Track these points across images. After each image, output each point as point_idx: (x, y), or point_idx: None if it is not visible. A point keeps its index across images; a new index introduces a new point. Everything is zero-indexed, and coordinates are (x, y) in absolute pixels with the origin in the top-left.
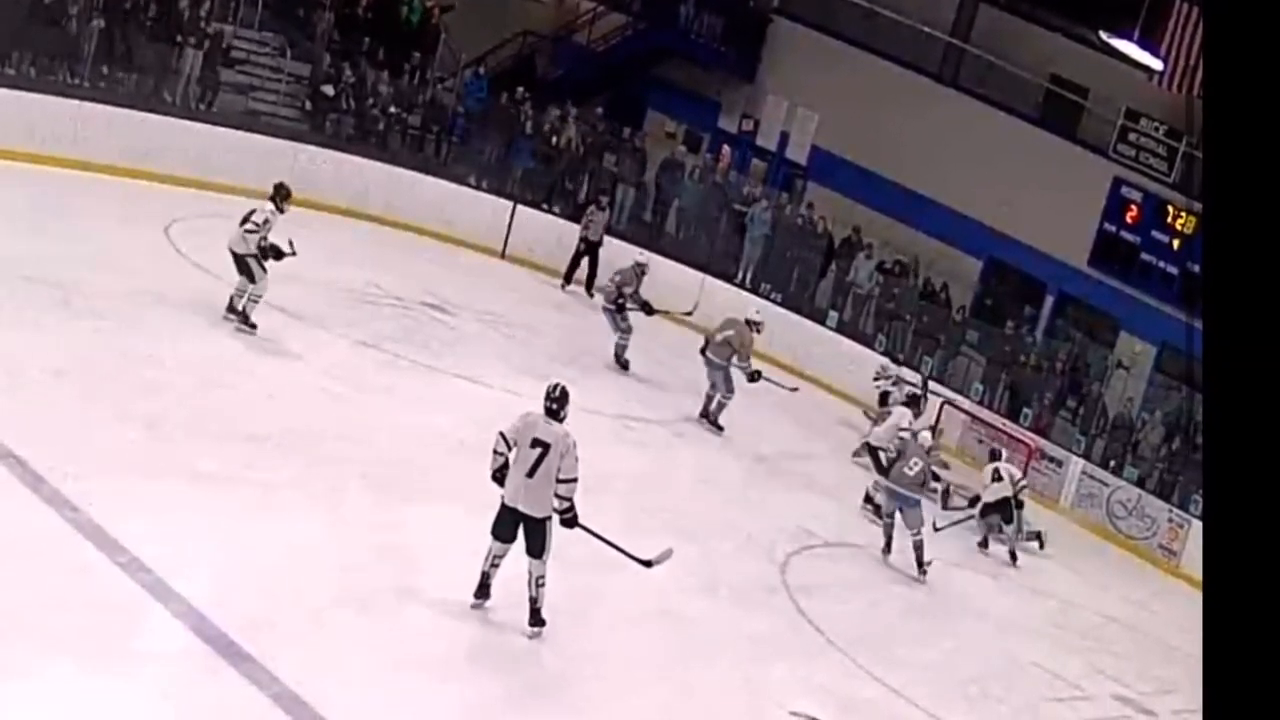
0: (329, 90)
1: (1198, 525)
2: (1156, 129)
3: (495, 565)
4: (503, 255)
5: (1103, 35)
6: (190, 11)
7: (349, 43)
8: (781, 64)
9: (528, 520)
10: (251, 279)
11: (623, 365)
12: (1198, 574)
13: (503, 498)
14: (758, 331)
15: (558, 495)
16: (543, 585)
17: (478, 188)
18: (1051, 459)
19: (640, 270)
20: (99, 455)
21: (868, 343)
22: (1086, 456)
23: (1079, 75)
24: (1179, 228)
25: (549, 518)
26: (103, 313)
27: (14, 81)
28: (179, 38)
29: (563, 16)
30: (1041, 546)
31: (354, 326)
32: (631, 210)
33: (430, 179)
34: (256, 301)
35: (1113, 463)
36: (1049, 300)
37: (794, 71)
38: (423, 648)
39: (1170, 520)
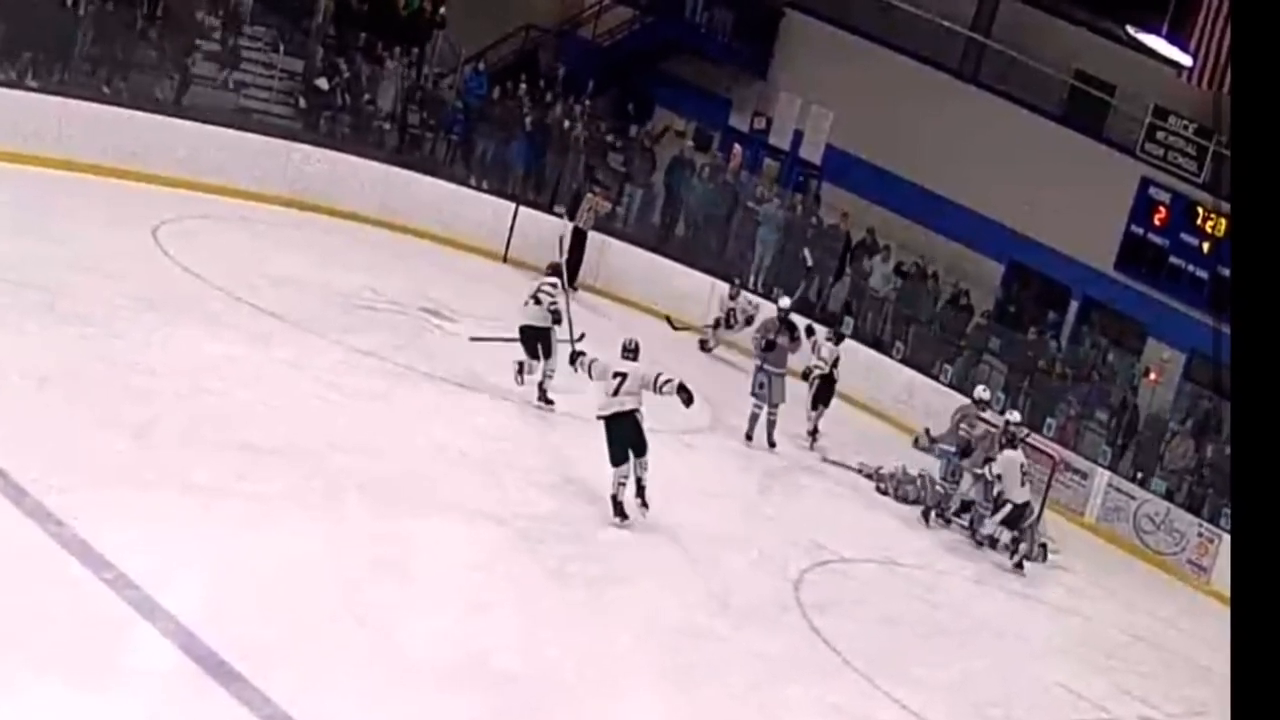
0: (323, 84)
1: (1228, 540)
2: (1185, 127)
3: (622, 485)
4: (504, 259)
5: (1129, 30)
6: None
7: (344, 36)
8: (795, 60)
9: (623, 419)
10: (548, 355)
11: (769, 444)
12: (1228, 590)
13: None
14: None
15: (662, 388)
16: (646, 468)
17: (478, 188)
18: (1076, 471)
19: (783, 315)
20: (84, 466)
21: (885, 350)
22: (1113, 468)
23: (1105, 71)
24: (1209, 230)
25: (636, 410)
26: (89, 318)
27: None
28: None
29: (567, 10)
30: (1044, 559)
31: (350, 333)
32: (640, 211)
33: (429, 179)
34: (550, 377)
35: (1140, 475)
36: (1073, 305)
37: (808, 67)
38: (422, 663)
39: (1200, 535)
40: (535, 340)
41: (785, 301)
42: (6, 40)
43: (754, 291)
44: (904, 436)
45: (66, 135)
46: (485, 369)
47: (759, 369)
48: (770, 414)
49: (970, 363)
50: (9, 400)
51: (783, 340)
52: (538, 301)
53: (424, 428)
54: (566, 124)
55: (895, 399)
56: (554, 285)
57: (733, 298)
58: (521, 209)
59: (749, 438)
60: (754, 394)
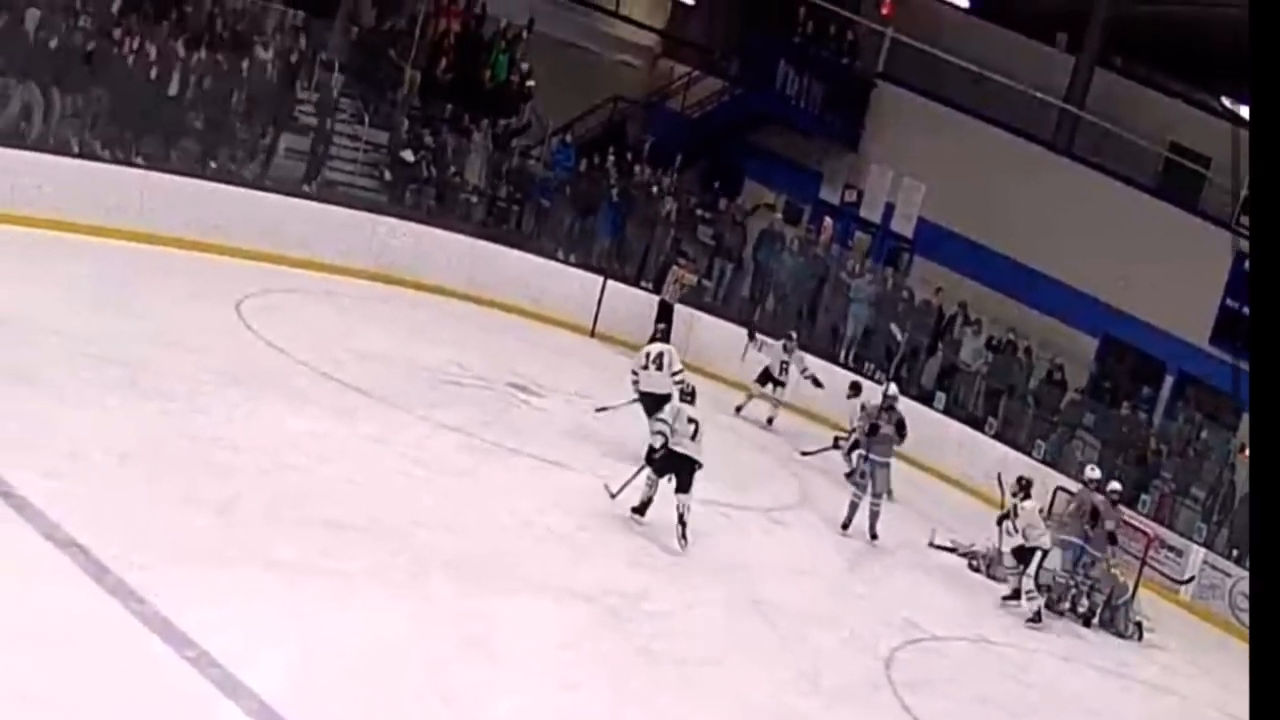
0: (408, 155)
1: None
2: None
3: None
4: (592, 333)
5: (1225, 101)
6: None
7: (430, 108)
8: (886, 131)
9: (688, 463)
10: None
11: (871, 535)
12: None
13: (667, 448)
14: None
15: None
16: (689, 508)
17: (565, 261)
18: (1171, 548)
19: (889, 401)
20: (166, 543)
21: (978, 425)
22: (1209, 545)
23: (1200, 143)
24: None
25: (697, 463)
26: (171, 393)
27: (78, 149)
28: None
29: (655, 81)
30: (1140, 638)
31: (436, 408)
32: (729, 285)
33: (515, 252)
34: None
35: (1236, 551)
36: (1168, 380)
37: (899, 139)
38: None
39: None
40: (656, 407)
41: (892, 388)
42: (90, 111)
43: (846, 367)
44: (996, 513)
45: (149, 208)
46: (572, 445)
47: (862, 457)
48: (873, 504)
49: (1064, 438)
50: (91, 477)
51: (888, 429)
52: (659, 367)
53: (510, 504)
54: (654, 191)
55: (988, 475)
56: (673, 353)
57: (788, 351)
58: (609, 283)
59: (845, 527)
60: (854, 482)
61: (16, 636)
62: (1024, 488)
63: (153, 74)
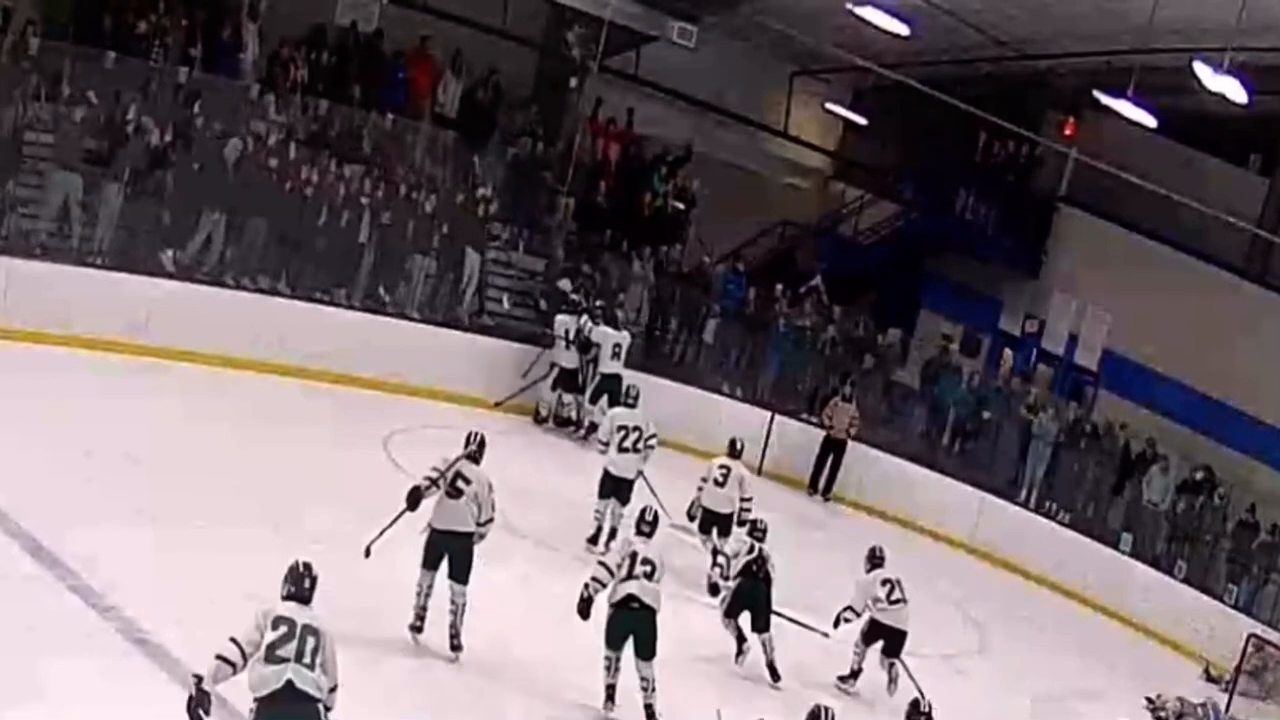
0: (566, 285)
1: None
2: None
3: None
4: (759, 471)
5: None
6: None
7: (588, 234)
8: (1069, 257)
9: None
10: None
11: None
12: None
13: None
14: None
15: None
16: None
17: (731, 395)
18: None
19: None
20: None
21: (1166, 569)
22: None
23: None
24: None
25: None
26: (315, 535)
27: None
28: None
29: (826, 205)
30: None
31: (594, 548)
32: (902, 419)
33: (674, 385)
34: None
35: None
36: None
37: (1083, 266)
38: None
39: None
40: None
41: None
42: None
43: (1029, 509)
44: (1188, 663)
45: (289, 339)
46: None
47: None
48: None
49: (1259, 583)
50: (228, 623)
51: None
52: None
53: (672, 649)
54: (822, 320)
55: (1177, 621)
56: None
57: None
58: (777, 417)
59: None
60: None
61: None
62: (735, 450)
63: (304, 201)
